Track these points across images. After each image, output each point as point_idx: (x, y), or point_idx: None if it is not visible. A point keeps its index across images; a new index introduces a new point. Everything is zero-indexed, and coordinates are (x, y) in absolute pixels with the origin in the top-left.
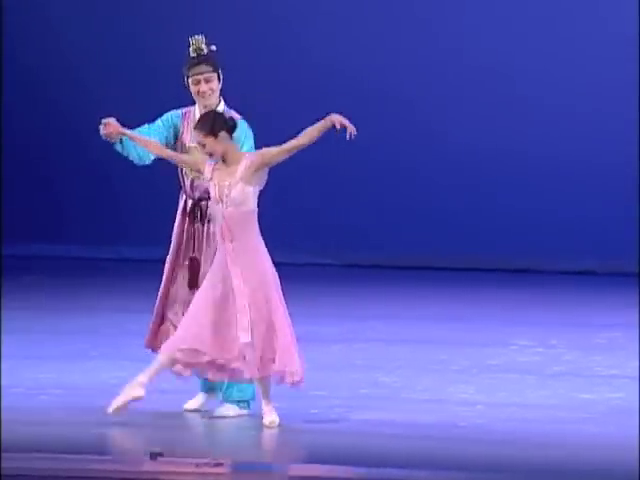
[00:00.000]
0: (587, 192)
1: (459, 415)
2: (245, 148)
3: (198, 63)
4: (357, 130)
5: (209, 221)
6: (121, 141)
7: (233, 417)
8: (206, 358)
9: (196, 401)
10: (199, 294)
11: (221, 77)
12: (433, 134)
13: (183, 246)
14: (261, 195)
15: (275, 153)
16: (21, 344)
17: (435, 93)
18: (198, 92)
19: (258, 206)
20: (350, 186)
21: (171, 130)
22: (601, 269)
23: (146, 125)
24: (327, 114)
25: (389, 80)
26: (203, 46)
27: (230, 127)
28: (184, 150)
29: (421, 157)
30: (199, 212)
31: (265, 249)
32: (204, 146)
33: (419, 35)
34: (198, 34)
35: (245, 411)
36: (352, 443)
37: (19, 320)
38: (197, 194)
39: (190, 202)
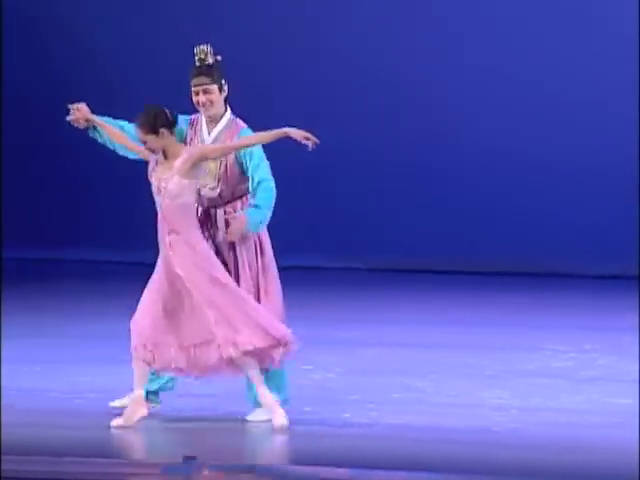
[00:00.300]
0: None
1: (493, 420)
2: (256, 157)
3: (199, 74)
4: (383, 130)
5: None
6: (95, 128)
7: (266, 421)
8: (171, 348)
9: (123, 400)
10: (147, 290)
11: (224, 88)
12: (447, 135)
13: None
14: (287, 198)
15: (214, 149)
16: (51, 348)
17: (445, 95)
18: (198, 102)
19: (282, 209)
20: (377, 188)
21: (176, 134)
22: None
23: None
24: (284, 126)
25: (408, 82)
26: (208, 56)
27: (171, 123)
28: None
29: (440, 158)
30: (209, 219)
31: (204, 242)
32: (145, 143)
33: (432, 36)
34: (204, 43)
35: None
36: (385, 447)
37: (50, 325)
38: (205, 202)
39: (200, 210)
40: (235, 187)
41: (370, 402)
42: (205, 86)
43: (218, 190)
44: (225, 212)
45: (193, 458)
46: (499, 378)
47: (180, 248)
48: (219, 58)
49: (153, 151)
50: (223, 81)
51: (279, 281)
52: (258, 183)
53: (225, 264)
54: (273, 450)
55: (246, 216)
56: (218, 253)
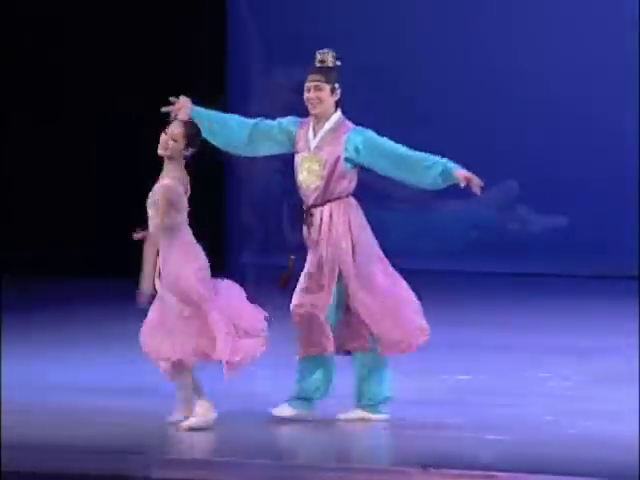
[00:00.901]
0: None
1: None
2: (372, 149)
3: (313, 72)
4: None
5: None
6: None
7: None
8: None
9: (288, 411)
10: None
11: (337, 91)
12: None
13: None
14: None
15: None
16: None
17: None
18: (307, 100)
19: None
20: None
21: (283, 135)
22: None
23: (260, 119)
24: None
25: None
26: (328, 59)
27: (195, 153)
28: (297, 159)
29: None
30: (310, 218)
31: (192, 266)
32: (175, 141)
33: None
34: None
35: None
36: (624, 458)
37: None
38: (310, 201)
39: (304, 207)
40: (336, 186)
41: (611, 411)
42: (317, 83)
43: (320, 189)
44: (322, 212)
45: (430, 466)
46: None
47: (162, 265)
48: (339, 63)
49: (166, 149)
50: (337, 85)
51: (390, 278)
52: (413, 156)
53: (320, 265)
54: (503, 458)
55: (456, 165)
56: (316, 248)
